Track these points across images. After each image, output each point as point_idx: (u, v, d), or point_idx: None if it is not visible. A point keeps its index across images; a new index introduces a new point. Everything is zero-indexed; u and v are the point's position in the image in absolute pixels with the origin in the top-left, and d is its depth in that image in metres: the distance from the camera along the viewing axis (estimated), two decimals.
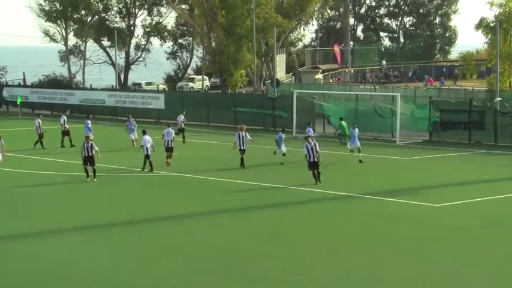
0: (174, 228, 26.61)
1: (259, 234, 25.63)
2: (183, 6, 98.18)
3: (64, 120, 48.27)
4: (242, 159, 38.47)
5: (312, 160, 33.74)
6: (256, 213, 29.17)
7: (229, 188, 33.53)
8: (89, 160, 34.84)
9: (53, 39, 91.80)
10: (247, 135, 39.09)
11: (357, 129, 42.49)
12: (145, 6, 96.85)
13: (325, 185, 34.14)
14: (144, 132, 38.39)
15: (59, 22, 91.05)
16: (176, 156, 41.39)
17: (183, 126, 50.91)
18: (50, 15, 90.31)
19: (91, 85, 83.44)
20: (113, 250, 23.63)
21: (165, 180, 35.74)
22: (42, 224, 27.23)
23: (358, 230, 26.34)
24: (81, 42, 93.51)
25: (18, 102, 70.27)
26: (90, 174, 34.86)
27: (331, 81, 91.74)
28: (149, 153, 37.25)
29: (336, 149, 46.91)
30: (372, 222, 27.51)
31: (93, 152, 34.89)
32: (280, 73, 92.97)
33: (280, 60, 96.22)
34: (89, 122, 48.24)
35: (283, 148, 40.89)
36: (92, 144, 35.17)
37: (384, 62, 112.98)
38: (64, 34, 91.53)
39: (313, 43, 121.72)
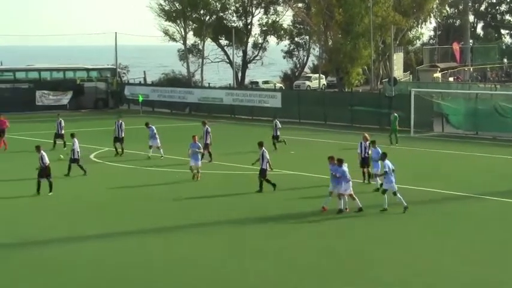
0: (273, 229, 26.46)
1: (359, 235, 25.46)
2: (300, 4, 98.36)
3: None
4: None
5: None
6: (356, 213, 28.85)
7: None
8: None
9: (172, 38, 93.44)
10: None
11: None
12: (262, 5, 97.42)
13: (436, 183, 33.69)
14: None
15: (178, 21, 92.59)
16: (292, 155, 41.52)
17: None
18: (169, 15, 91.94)
19: (209, 84, 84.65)
20: (221, 247, 23.97)
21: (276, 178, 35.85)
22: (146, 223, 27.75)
23: (475, 230, 25.87)
24: (199, 41, 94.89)
25: (140, 100, 71.84)
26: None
27: (450, 79, 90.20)
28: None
29: (446, 147, 46.24)
30: (488, 223, 26.94)
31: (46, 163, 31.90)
32: (398, 72, 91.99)
33: (398, 58, 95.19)
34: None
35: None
36: (42, 154, 32.04)
37: (505, 60, 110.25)
38: (183, 33, 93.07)
39: (431, 41, 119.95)
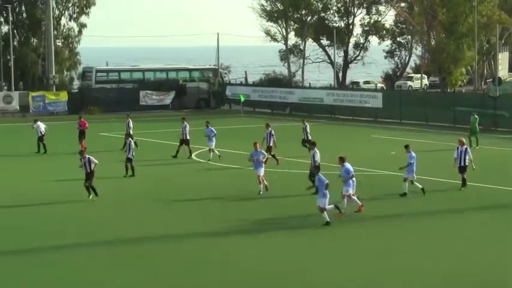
0: (359, 229, 26.46)
1: (445, 236, 25.35)
2: (402, 4, 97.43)
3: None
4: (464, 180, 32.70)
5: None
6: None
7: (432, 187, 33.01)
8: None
9: (273, 38, 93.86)
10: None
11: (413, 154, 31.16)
12: (364, 5, 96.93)
13: None
14: None
15: (279, 22, 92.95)
16: (392, 156, 41.16)
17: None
18: (271, 15, 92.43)
19: (310, 84, 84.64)
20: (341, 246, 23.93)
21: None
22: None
23: None
24: (300, 42, 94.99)
25: (242, 101, 72.22)
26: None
27: None
28: None
29: None
30: None
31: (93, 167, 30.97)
32: (503, 71, 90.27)
33: (503, 58, 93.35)
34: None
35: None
36: (89, 158, 31.10)
37: None
38: (284, 34, 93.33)
39: None
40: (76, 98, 72.17)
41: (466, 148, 32.81)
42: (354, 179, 27.89)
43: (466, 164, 32.40)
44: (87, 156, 31.11)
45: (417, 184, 31.20)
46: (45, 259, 22.82)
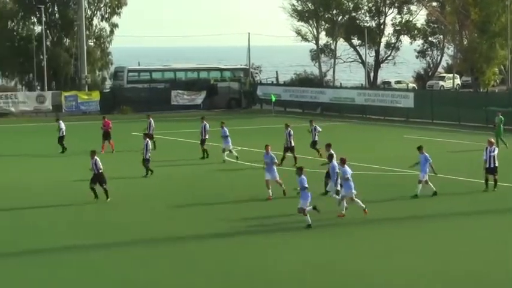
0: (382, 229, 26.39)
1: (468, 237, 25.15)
2: (434, 3, 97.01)
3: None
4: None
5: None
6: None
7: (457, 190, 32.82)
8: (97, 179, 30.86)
9: (304, 38, 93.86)
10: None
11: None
12: (396, 5, 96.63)
13: None
14: None
15: (310, 22, 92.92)
16: None
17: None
18: (302, 15, 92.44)
19: (341, 83, 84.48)
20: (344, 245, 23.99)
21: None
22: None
23: None
24: (331, 41, 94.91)
25: (273, 100, 72.24)
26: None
27: None
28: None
29: None
30: None
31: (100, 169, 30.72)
32: None
33: None
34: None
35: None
36: (96, 160, 30.88)
37: None
38: (315, 33, 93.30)
39: None
40: (108, 98, 72.67)
41: (495, 148, 32.34)
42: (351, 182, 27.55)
43: (496, 165, 31.89)
44: (96, 157, 30.90)
45: (419, 186, 30.93)
46: (59, 259, 22.98)
